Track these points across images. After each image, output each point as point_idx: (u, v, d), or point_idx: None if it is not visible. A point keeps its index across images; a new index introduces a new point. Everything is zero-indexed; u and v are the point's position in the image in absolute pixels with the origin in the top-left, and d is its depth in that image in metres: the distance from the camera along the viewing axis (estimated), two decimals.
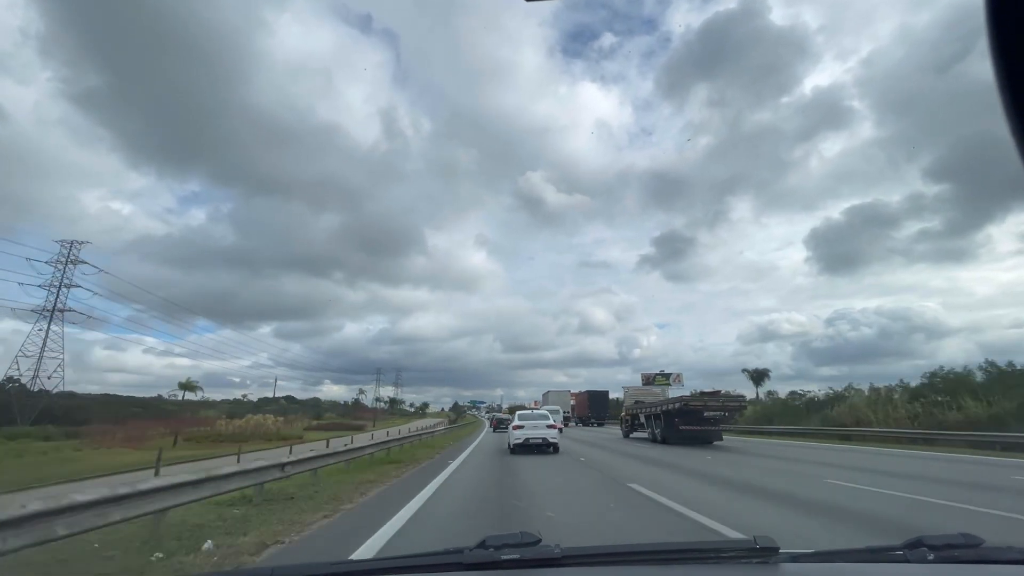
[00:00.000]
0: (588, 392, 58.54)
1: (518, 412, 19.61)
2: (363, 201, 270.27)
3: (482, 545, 1.35)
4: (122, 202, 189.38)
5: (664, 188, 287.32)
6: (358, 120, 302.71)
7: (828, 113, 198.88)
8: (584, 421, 56.12)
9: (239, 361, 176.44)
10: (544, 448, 16.27)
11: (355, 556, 4.40)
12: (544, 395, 65.73)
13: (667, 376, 63.38)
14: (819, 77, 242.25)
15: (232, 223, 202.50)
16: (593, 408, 56.16)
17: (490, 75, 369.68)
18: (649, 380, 60.84)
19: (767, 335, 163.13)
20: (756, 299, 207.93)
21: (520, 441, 16.25)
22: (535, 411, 19.68)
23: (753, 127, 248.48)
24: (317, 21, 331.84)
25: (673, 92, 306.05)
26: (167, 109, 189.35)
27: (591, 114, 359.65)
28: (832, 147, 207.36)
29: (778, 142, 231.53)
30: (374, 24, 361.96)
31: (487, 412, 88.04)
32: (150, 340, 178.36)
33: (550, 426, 16.68)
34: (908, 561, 1.31)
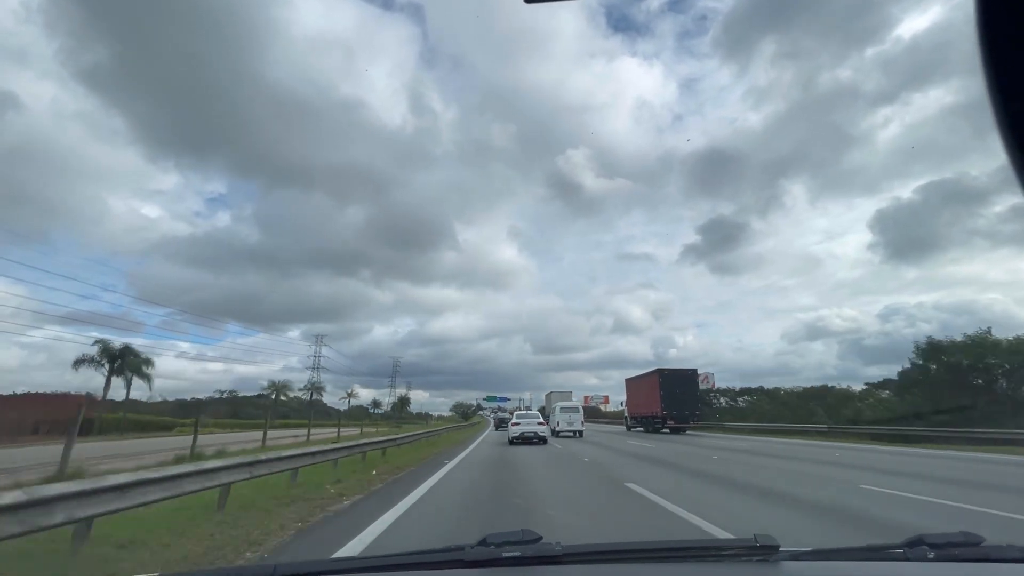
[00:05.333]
0: (659, 373, 31.80)
1: (516, 412, 25.58)
2: (391, 191, 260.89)
3: (483, 543, 1.36)
4: (143, 200, 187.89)
5: (713, 170, 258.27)
6: (384, 101, 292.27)
7: (918, 67, 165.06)
8: (647, 424, 33.22)
9: (270, 365, 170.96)
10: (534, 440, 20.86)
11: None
12: (547, 395, 65.30)
13: None
14: (919, 20, 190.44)
15: (255, 219, 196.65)
16: (669, 400, 30.46)
17: (524, 47, 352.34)
18: None
19: (816, 332, 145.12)
20: (808, 293, 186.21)
21: (517, 434, 21.05)
22: (529, 411, 25.38)
23: (829, 88, 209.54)
24: None
25: (737, 49, 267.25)
26: (184, 92, 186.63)
27: (633, 89, 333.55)
28: (913, 113, 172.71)
29: (852, 108, 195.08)
30: None
31: (492, 413, 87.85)
32: (184, 345, 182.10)
33: (540, 423, 21.85)
34: (908, 559, 1.32)
